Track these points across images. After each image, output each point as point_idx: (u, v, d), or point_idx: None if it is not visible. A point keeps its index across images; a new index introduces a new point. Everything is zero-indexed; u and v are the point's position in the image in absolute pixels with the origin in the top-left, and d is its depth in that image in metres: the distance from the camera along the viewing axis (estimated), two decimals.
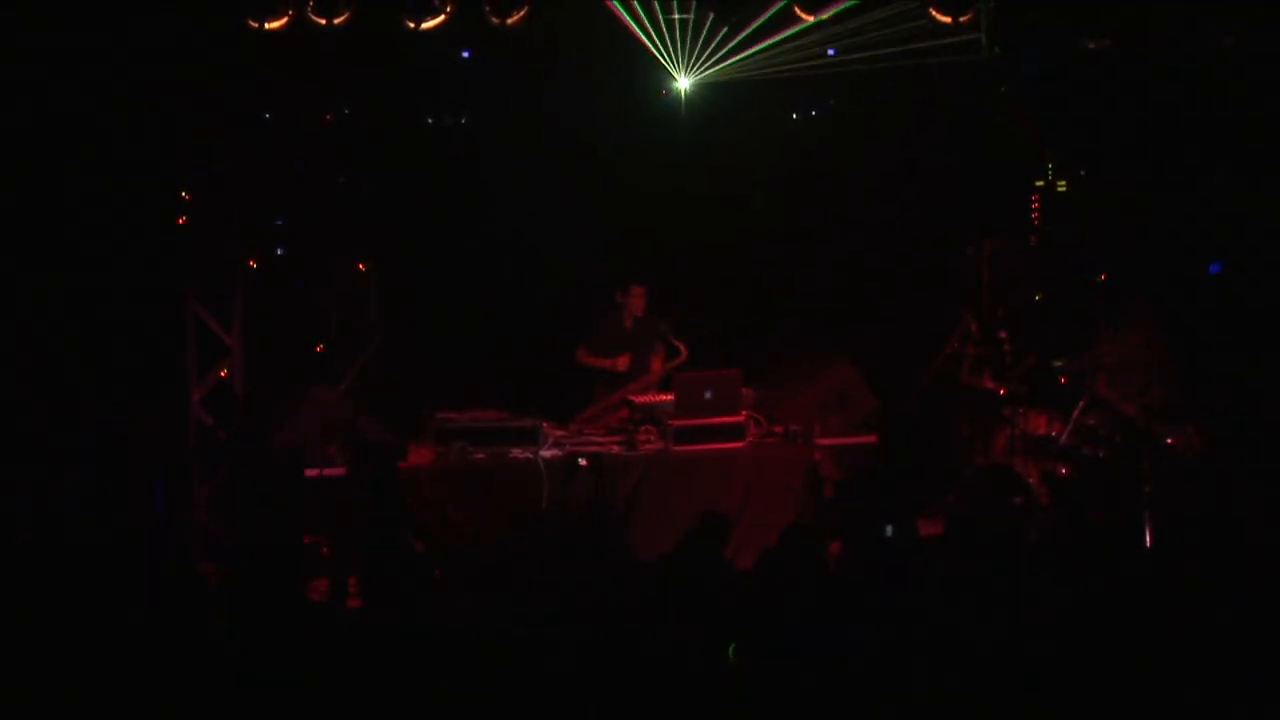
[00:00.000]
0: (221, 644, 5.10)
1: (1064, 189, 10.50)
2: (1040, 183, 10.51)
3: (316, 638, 5.14)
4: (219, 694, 4.87)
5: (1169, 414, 9.22)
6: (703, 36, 9.80)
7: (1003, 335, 9.61)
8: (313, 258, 10.54)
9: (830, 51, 9.82)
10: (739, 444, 8.93)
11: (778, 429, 9.17)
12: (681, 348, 9.42)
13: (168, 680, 4.92)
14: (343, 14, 9.02)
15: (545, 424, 8.85)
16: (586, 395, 9.64)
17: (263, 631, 5.17)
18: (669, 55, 9.87)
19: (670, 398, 8.99)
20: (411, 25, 9.11)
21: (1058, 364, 9.49)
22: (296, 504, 8.49)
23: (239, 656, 5.02)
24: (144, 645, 5.11)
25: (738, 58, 9.85)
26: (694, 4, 9.62)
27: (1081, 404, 9.30)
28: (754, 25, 9.69)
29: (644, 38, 9.74)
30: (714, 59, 9.89)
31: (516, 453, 8.64)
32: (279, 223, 10.39)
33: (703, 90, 10.06)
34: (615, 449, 8.83)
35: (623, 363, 9.50)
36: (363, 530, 8.27)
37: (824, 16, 9.42)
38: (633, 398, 9.17)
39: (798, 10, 9.48)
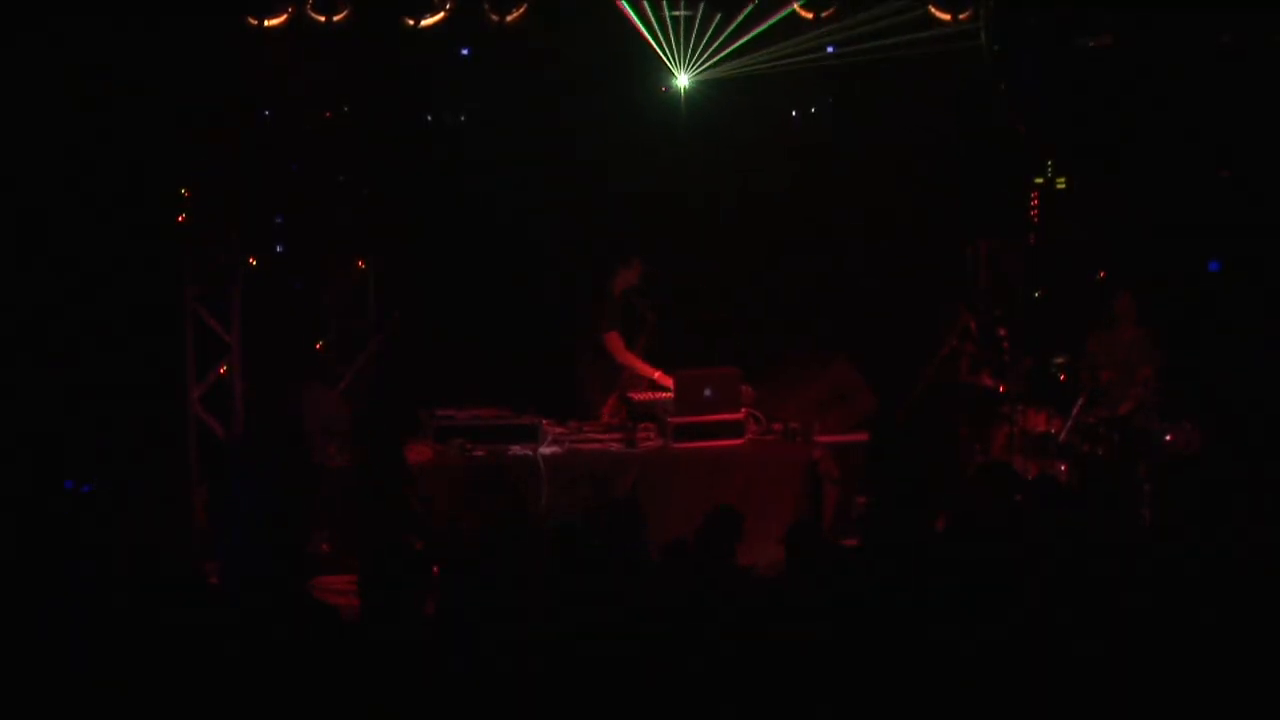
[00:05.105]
0: (222, 644, 5.09)
1: (1063, 187, 10.51)
2: (1039, 180, 10.52)
3: (319, 637, 5.13)
4: (220, 695, 4.87)
5: (1165, 411, 9.25)
6: (701, 34, 9.80)
7: (1002, 333, 9.62)
8: (312, 256, 10.54)
9: (829, 49, 9.84)
10: (738, 441, 8.93)
11: (777, 426, 9.18)
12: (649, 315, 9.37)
13: (168, 681, 4.91)
14: (342, 11, 9.03)
15: (544, 421, 8.85)
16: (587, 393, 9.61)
17: (264, 632, 5.17)
18: (669, 53, 9.88)
19: (669, 395, 8.99)
20: (411, 23, 9.13)
21: (1058, 361, 9.51)
22: (300, 501, 8.49)
23: (240, 657, 5.02)
24: (144, 646, 5.11)
25: (736, 54, 9.86)
26: (697, 2, 9.64)
27: (1080, 401, 9.32)
28: (759, 28, 9.70)
29: (646, 34, 9.75)
30: (713, 56, 9.90)
31: (516, 450, 8.65)
32: (278, 221, 10.38)
33: (702, 87, 10.06)
34: (615, 446, 8.84)
35: (664, 378, 9.20)
36: (363, 527, 8.29)
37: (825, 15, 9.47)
38: (631, 395, 9.17)
39: (798, 8, 9.49)
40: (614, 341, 9.32)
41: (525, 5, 9.15)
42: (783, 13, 9.54)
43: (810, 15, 9.49)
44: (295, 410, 9.04)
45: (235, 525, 8.15)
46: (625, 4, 9.55)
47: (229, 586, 7.65)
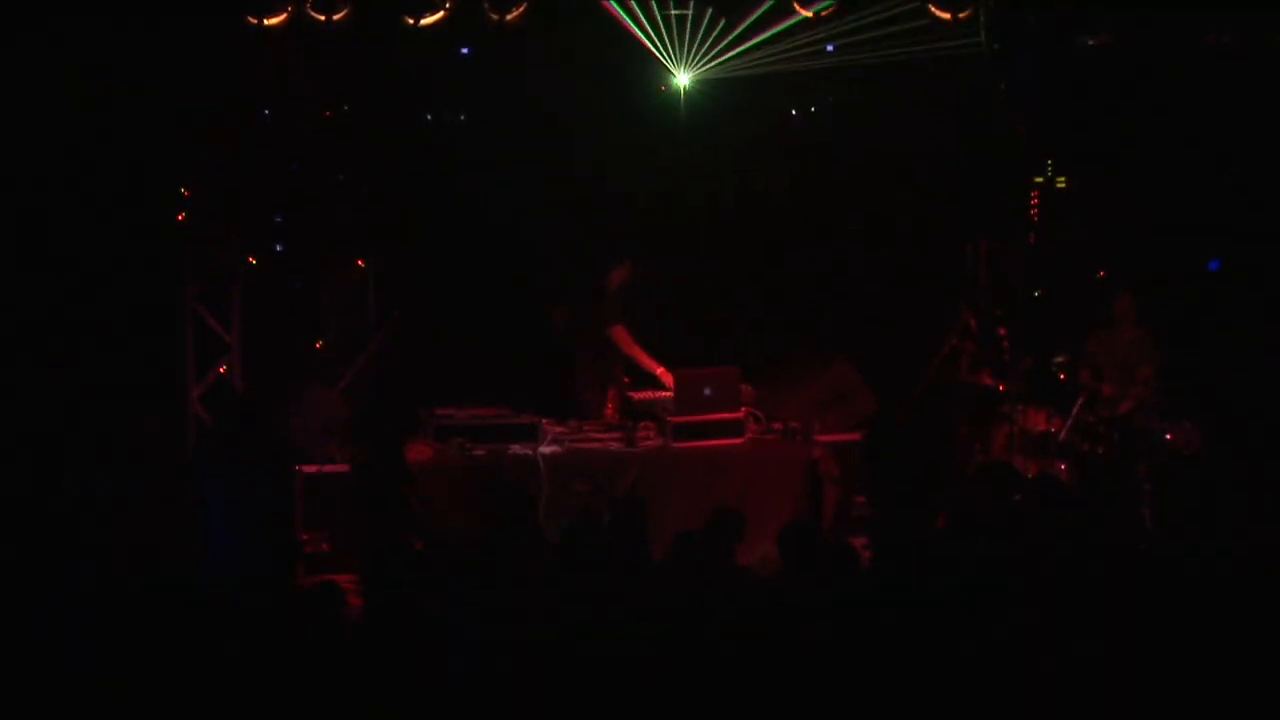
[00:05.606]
0: (221, 644, 5.10)
1: (1063, 186, 10.51)
2: (1039, 180, 10.52)
3: (316, 636, 5.14)
4: (219, 695, 4.88)
5: (1165, 411, 9.26)
6: (700, 32, 9.80)
7: (1002, 332, 9.62)
8: (312, 256, 10.54)
9: (829, 48, 9.83)
10: (738, 441, 8.93)
11: (777, 426, 9.17)
12: None
13: (168, 681, 4.92)
14: (342, 10, 9.03)
15: (544, 421, 8.85)
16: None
17: (262, 630, 5.17)
18: (668, 52, 9.88)
19: (669, 394, 8.99)
20: (410, 22, 9.13)
21: (1058, 360, 9.52)
22: (291, 501, 8.49)
23: (239, 657, 5.02)
24: (144, 646, 5.11)
25: (737, 53, 9.85)
26: (694, 1, 9.64)
27: (1080, 400, 9.32)
28: (751, 20, 9.70)
29: (642, 35, 9.75)
30: (713, 55, 9.89)
31: (516, 449, 8.64)
32: (278, 220, 10.39)
33: (702, 86, 10.06)
34: (614, 445, 8.83)
35: (665, 375, 9.21)
36: (363, 527, 8.28)
37: (820, 5, 9.46)
38: (631, 394, 9.17)
39: (797, 6, 9.49)
40: (620, 335, 9.31)
41: (525, 5, 9.15)
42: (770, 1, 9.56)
43: (810, 14, 9.48)
44: (279, 409, 9.02)
45: (206, 523, 8.15)
46: (617, 7, 9.54)
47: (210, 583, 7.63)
